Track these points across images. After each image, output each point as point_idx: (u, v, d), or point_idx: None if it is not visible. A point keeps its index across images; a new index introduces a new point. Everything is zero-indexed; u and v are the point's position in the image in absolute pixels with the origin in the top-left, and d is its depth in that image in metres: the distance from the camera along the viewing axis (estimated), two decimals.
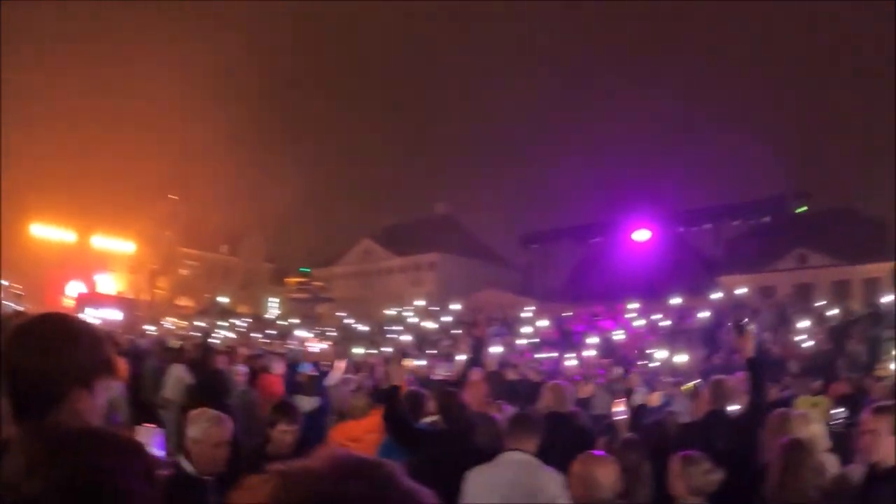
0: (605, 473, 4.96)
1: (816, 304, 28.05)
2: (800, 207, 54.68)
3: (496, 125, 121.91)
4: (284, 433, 6.33)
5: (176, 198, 76.08)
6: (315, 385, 11.59)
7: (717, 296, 29.16)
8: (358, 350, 21.23)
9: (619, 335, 24.09)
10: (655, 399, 13.06)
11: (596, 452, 5.54)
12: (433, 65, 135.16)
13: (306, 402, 11.40)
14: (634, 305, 29.05)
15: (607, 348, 22.24)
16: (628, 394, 10.51)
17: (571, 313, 32.04)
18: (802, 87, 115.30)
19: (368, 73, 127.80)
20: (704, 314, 25.48)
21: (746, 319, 8.06)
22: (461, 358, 11.64)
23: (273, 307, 70.63)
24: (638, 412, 9.82)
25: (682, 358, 17.79)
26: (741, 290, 30.78)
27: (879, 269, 46.50)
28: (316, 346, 16.32)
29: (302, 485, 1.12)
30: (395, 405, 7.42)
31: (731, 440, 6.50)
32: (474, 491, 5.86)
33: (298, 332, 28.32)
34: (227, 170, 69.91)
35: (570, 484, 5.20)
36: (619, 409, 9.74)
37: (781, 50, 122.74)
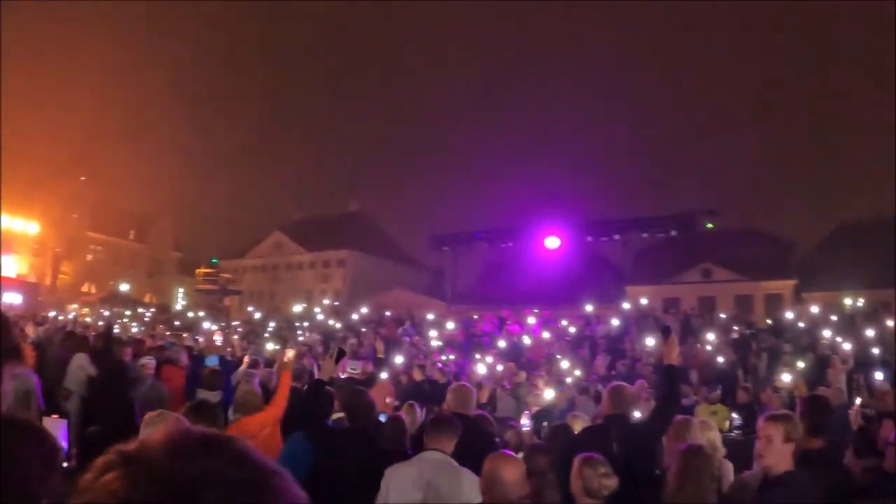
0: (511, 472, 4.98)
1: (719, 316, 28.67)
2: (708, 224, 55.69)
3: (415, 127, 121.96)
4: None
5: (84, 179, 74.24)
6: (218, 379, 11.37)
7: (625, 305, 29.67)
8: (268, 346, 21.15)
9: (526, 340, 24.27)
10: (560, 403, 13.29)
11: (505, 451, 5.57)
12: (355, 62, 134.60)
13: (207, 397, 11.21)
14: (541, 311, 29.37)
15: (514, 352, 22.39)
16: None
17: (479, 316, 32.16)
18: (715, 112, 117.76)
19: (289, 67, 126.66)
20: (612, 323, 25.85)
21: (671, 326, 8.16)
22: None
23: (180, 297, 69.64)
24: (540, 416, 9.95)
25: (577, 372, 18.12)
26: (645, 300, 31.41)
27: (781, 286, 48.14)
28: (220, 339, 16.12)
29: (144, 468, 1.02)
30: (317, 400, 7.42)
31: (631, 445, 6.59)
32: (395, 489, 5.87)
33: (205, 325, 28.03)
34: (138, 153, 68.73)
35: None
36: (525, 422, 9.85)
37: (692, 71, 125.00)
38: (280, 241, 74.54)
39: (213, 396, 11.05)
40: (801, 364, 17.30)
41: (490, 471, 5.00)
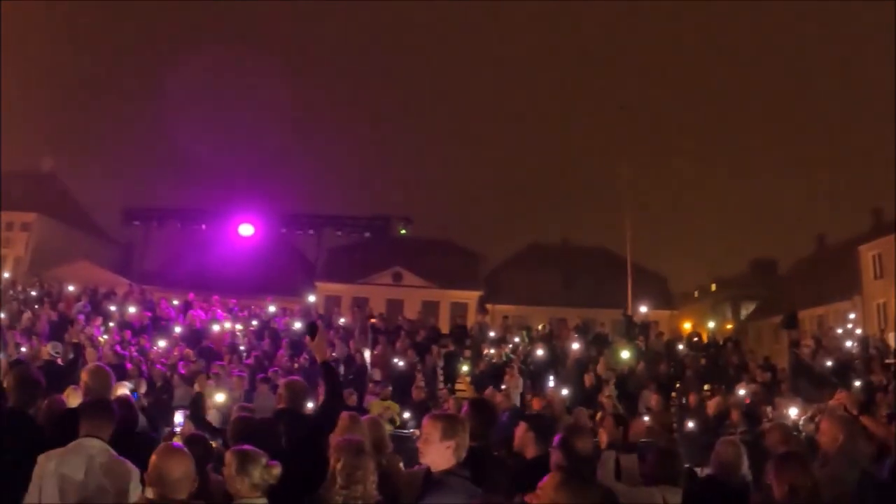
0: (178, 467, 4.72)
1: (406, 320, 29.33)
2: (402, 230, 57.03)
3: (122, 94, 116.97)
4: None
5: None
6: None
7: (310, 298, 29.82)
8: None
9: (211, 326, 23.73)
10: (236, 391, 13.13)
11: (174, 444, 5.35)
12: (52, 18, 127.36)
13: None
14: (228, 299, 28.94)
15: (193, 339, 21.90)
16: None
17: (164, 298, 31.10)
18: (425, 124, 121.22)
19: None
20: (296, 317, 25.78)
21: (318, 322, 8.07)
22: None
23: None
24: (197, 404, 9.56)
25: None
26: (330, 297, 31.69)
27: (467, 296, 50.39)
28: None
29: None
30: None
31: (300, 439, 6.51)
32: (47, 477, 5.40)
33: None
34: None
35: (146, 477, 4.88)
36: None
37: (410, 81, 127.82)
38: None
39: None
40: (466, 368, 18.18)
41: (156, 464, 4.72)
